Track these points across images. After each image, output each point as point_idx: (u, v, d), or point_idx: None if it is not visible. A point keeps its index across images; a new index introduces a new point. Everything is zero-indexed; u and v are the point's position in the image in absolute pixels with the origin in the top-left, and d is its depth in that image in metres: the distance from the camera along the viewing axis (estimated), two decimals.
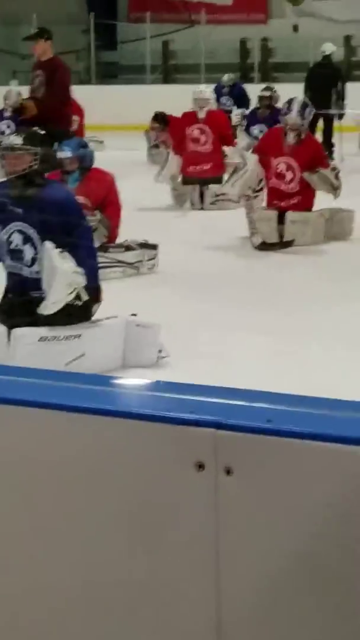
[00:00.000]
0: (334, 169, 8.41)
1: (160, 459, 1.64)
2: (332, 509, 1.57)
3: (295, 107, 8.27)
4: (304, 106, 8.34)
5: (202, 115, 10.52)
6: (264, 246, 7.85)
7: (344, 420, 1.62)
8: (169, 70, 23.89)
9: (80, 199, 5.87)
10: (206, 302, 6.09)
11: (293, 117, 8.20)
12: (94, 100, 17.98)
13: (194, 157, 10.30)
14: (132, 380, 1.75)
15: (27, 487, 1.70)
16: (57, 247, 4.67)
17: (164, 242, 7.37)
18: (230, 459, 1.61)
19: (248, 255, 7.79)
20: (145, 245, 7.03)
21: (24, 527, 1.71)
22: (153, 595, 1.67)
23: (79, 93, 17.48)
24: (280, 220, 8.06)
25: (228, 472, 1.61)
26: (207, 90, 11.10)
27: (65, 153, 6.65)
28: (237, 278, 7.10)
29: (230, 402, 1.66)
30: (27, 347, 4.65)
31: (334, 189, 8.08)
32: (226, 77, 17.23)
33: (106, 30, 24.23)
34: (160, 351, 4.95)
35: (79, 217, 4.96)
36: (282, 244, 7.94)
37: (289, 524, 1.60)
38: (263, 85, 15.67)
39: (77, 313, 4.82)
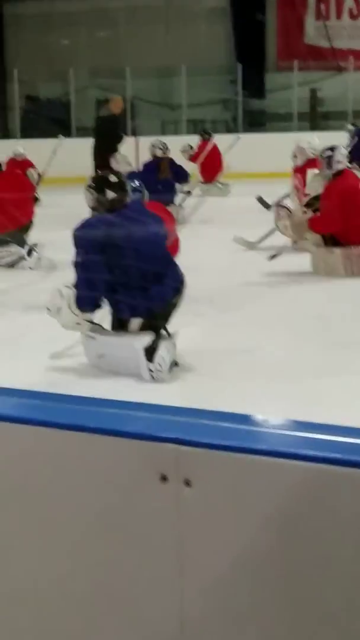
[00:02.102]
0: None
1: (131, 471, 1.84)
2: (278, 516, 1.74)
3: None
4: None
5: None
6: None
7: (292, 439, 1.78)
8: (316, 118, 24.06)
9: None
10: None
11: None
12: (240, 149, 18.30)
13: None
14: (108, 400, 1.95)
15: (17, 493, 1.92)
16: None
17: None
18: (189, 472, 1.79)
19: None
20: None
21: (16, 526, 1.94)
22: (126, 591, 1.87)
23: (226, 142, 17.93)
24: None
25: (187, 483, 1.80)
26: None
27: None
28: None
29: (191, 420, 1.85)
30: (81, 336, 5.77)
31: None
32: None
33: (254, 80, 24.60)
34: (152, 371, 5.47)
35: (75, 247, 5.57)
36: None
37: (241, 529, 1.77)
38: None
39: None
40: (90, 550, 1.89)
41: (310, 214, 9.24)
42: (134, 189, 6.27)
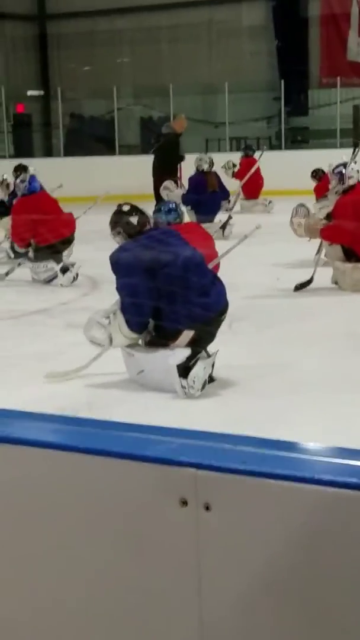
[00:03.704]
0: None
1: (151, 495, 1.84)
2: (298, 541, 1.74)
3: None
4: None
5: None
6: None
7: (311, 463, 1.78)
8: (359, 134, 23.98)
9: None
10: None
11: None
12: (284, 166, 18.33)
13: None
14: (128, 424, 1.96)
15: (41, 516, 1.94)
16: None
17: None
18: (209, 496, 1.79)
19: None
20: None
21: (40, 549, 1.96)
22: (145, 613, 1.88)
23: (269, 159, 17.93)
24: None
25: (207, 508, 1.80)
26: None
27: None
28: None
29: (211, 444, 1.85)
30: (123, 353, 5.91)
31: None
32: None
33: (297, 96, 24.63)
34: (184, 387, 5.53)
35: (115, 273, 5.78)
36: None
37: (260, 553, 1.77)
38: None
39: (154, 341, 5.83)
40: (110, 573, 1.89)
41: (325, 222, 9.49)
42: (169, 210, 6.34)
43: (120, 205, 6.11)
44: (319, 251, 9.40)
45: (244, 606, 1.80)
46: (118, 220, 5.98)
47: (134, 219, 5.92)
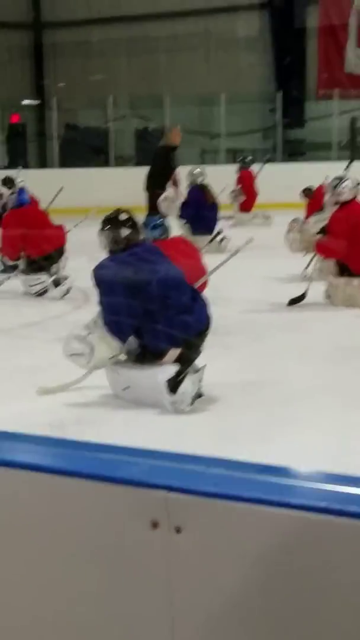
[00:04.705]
0: None
1: (122, 517, 1.83)
2: (269, 564, 1.72)
3: None
4: None
5: None
6: None
7: (282, 487, 1.76)
8: (356, 147, 23.96)
9: None
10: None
11: None
12: (280, 179, 18.29)
13: None
14: (101, 445, 1.94)
15: (9, 537, 1.92)
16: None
17: None
18: (180, 519, 1.78)
19: None
20: None
21: (8, 569, 1.94)
22: (115, 633, 1.87)
23: (265, 171, 17.92)
24: None
25: (178, 530, 1.78)
26: None
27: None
28: None
29: (182, 466, 1.83)
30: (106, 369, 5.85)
31: None
32: None
33: (294, 108, 24.60)
34: (173, 402, 5.50)
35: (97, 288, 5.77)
36: None
37: (230, 576, 1.76)
38: None
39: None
40: (80, 595, 1.88)
41: (319, 237, 9.48)
42: (155, 226, 6.30)
43: (119, 211, 6.04)
44: (308, 266, 9.40)
45: (215, 628, 1.79)
46: (112, 225, 5.90)
47: (125, 231, 5.84)
